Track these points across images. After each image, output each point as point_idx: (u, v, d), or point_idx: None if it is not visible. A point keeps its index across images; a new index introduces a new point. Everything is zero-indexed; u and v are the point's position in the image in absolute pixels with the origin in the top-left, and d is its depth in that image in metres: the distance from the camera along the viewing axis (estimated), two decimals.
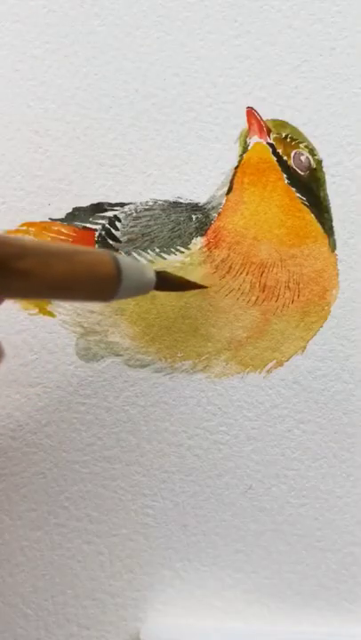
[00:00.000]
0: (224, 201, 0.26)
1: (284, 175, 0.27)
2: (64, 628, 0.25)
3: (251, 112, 0.27)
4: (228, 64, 0.27)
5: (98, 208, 0.26)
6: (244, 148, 0.27)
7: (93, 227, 0.26)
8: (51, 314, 0.26)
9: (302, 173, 0.27)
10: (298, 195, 0.26)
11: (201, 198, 0.26)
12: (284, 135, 0.27)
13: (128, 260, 0.20)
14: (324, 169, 0.27)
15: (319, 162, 0.27)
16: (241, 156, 0.27)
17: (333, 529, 0.26)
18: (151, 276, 0.21)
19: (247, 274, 0.26)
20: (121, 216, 0.26)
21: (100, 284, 0.19)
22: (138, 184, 0.26)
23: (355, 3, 0.27)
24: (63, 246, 0.18)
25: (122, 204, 0.26)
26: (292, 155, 0.27)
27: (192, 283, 0.25)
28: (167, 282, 0.23)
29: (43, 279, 0.17)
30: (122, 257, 0.20)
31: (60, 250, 0.18)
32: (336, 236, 0.27)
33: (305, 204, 0.27)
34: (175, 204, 0.26)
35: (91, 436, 0.26)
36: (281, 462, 0.26)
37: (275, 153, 0.27)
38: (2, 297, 0.18)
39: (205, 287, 0.25)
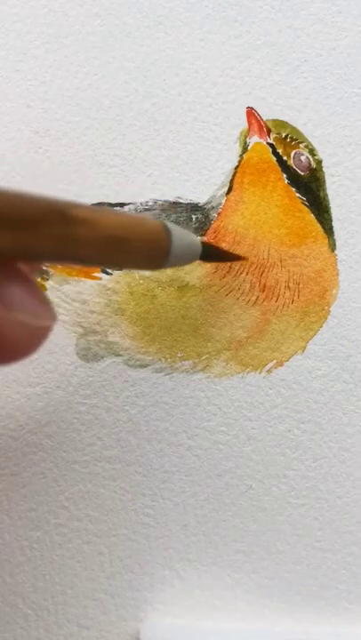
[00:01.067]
0: (224, 201, 0.26)
1: (284, 175, 0.27)
2: (64, 627, 0.25)
3: (251, 112, 0.27)
4: (228, 64, 0.27)
5: None
6: (244, 148, 0.27)
7: None
8: None
9: (302, 173, 0.27)
10: (298, 195, 0.27)
11: (201, 198, 0.26)
12: (284, 135, 0.27)
13: (179, 230, 0.20)
14: (324, 169, 0.27)
15: (319, 162, 0.27)
16: (241, 155, 0.27)
17: (333, 529, 0.26)
18: (198, 248, 0.21)
19: (247, 274, 0.26)
20: None
21: (152, 241, 0.19)
22: (138, 184, 0.26)
23: (355, 3, 0.27)
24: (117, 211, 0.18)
25: (122, 204, 0.26)
26: (292, 155, 0.27)
27: (234, 255, 0.25)
28: (212, 253, 0.23)
29: (98, 228, 0.17)
30: (173, 227, 0.20)
31: (114, 212, 0.18)
32: (336, 236, 0.27)
33: (305, 204, 0.27)
34: (175, 204, 0.26)
35: (91, 436, 0.26)
36: (281, 462, 0.26)
37: (275, 153, 0.27)
38: (46, 260, 0.18)
39: (245, 259, 0.26)
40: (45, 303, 0.17)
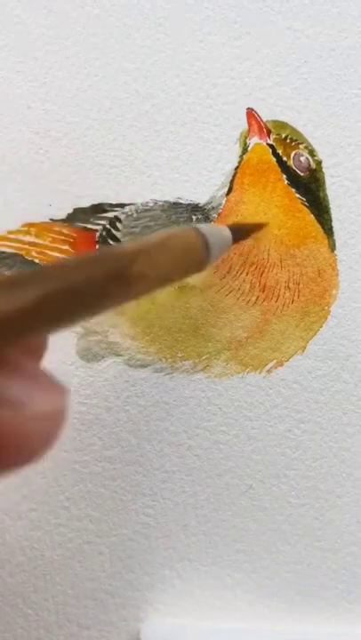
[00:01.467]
0: (224, 201, 0.26)
1: (284, 176, 0.27)
2: (64, 628, 0.25)
3: (251, 113, 0.27)
4: (228, 65, 0.27)
5: (98, 209, 0.27)
6: (244, 149, 0.27)
7: (94, 227, 0.27)
8: None
9: (302, 174, 0.27)
10: (298, 195, 0.27)
11: (201, 199, 0.27)
12: (283, 136, 0.27)
13: (207, 227, 0.21)
14: (323, 169, 0.27)
15: (319, 162, 0.27)
16: (241, 156, 0.27)
17: (333, 529, 0.26)
18: (228, 234, 0.22)
19: (247, 274, 0.26)
20: (122, 217, 0.26)
21: (195, 261, 0.20)
22: (138, 185, 0.27)
23: (355, 4, 0.27)
24: (153, 237, 0.18)
25: (122, 205, 0.26)
26: (292, 155, 0.27)
27: (257, 224, 0.26)
28: (240, 233, 0.24)
29: (153, 276, 0.17)
30: (201, 226, 0.20)
31: (155, 242, 0.18)
32: (336, 237, 0.27)
33: (305, 205, 0.27)
34: (175, 205, 0.26)
35: (91, 436, 0.26)
36: (281, 462, 0.26)
37: (275, 154, 0.27)
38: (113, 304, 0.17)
39: (266, 224, 0.26)
40: (53, 383, 0.15)
